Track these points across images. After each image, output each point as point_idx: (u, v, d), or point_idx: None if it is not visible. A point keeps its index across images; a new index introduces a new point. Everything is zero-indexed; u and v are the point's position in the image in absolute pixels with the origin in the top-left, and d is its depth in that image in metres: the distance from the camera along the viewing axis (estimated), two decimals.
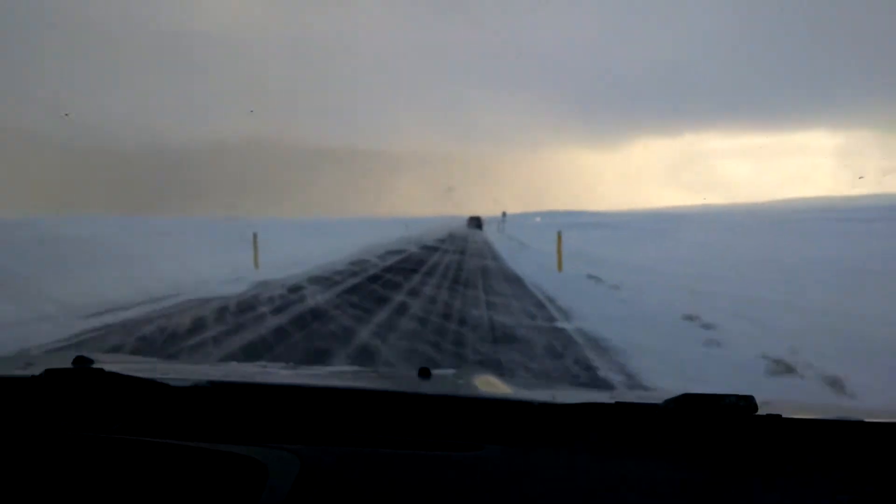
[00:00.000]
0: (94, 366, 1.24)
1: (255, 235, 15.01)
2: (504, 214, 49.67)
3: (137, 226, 30.11)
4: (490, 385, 1.64)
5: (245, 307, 8.69)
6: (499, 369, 5.10)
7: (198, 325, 7.40)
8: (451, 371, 1.96)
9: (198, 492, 0.94)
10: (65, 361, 1.34)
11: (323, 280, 12.15)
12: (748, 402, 1.00)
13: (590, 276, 11.73)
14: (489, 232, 42.91)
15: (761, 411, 1.00)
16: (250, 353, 5.99)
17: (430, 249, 23.68)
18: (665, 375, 4.94)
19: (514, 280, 12.72)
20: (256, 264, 14.28)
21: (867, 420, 1.07)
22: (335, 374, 2.12)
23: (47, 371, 1.15)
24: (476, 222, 57.29)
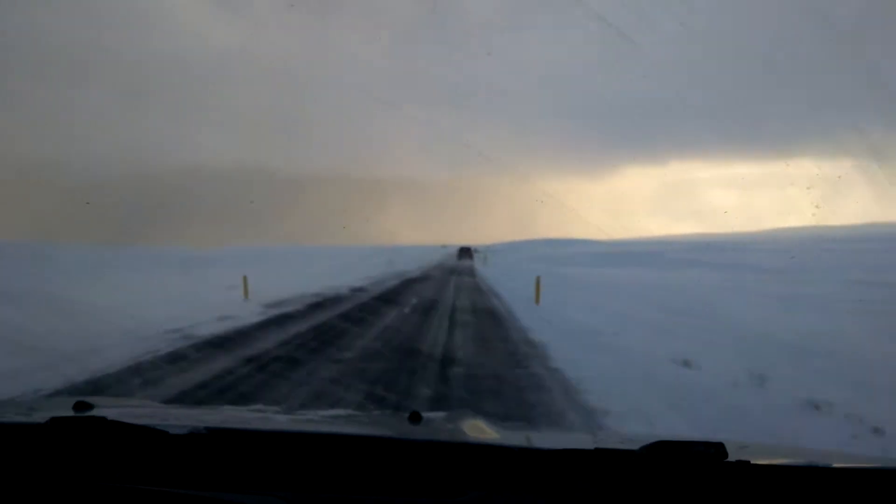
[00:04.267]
0: (96, 412, 1.29)
1: (390, 261, 35.95)
2: None
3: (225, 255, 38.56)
4: (478, 430, 1.66)
5: (427, 273, 28.34)
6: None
7: (429, 275, 27.06)
8: (441, 414, 1.99)
9: None
10: (66, 406, 1.38)
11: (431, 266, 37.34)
12: (718, 448, 1.03)
13: None
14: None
15: (732, 455, 1.03)
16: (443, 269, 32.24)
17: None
18: None
19: None
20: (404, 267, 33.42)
21: (835, 465, 1.11)
22: (329, 418, 2.15)
23: (52, 419, 1.18)
24: (467, 253, 55.98)
